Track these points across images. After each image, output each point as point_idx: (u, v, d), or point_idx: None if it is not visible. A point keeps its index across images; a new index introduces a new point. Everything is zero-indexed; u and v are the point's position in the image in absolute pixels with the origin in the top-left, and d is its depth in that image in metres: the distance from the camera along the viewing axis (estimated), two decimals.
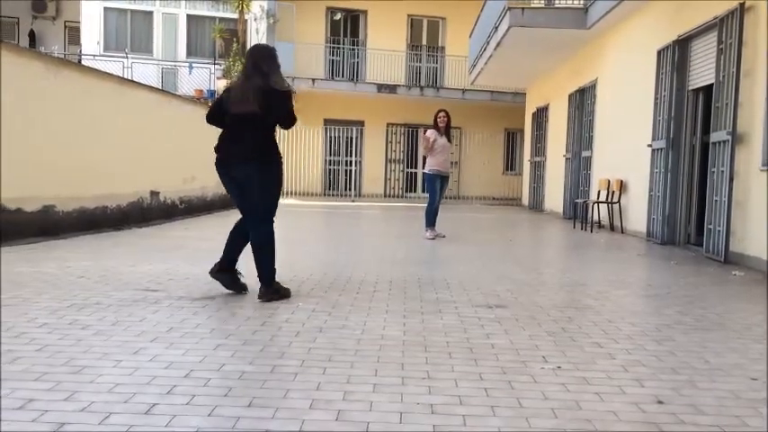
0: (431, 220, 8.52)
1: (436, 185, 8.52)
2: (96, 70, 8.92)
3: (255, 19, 18.68)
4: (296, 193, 19.64)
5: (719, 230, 6.74)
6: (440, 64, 21.64)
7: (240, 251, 4.34)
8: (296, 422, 2.15)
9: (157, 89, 11.90)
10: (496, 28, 12.55)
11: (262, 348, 3.03)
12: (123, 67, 17.56)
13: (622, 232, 9.98)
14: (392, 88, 20.05)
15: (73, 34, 20.43)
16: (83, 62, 16.39)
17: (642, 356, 3.08)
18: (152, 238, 7.66)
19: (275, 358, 2.88)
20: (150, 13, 19.03)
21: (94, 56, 17.89)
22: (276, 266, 4.20)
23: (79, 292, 4.19)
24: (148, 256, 6.05)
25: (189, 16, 19.20)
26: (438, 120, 8.45)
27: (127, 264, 5.48)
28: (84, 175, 7.91)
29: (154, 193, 9.88)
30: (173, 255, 6.17)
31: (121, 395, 2.35)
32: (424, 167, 8.86)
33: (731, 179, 6.60)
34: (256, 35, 18.40)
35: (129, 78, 13.16)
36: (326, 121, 20.26)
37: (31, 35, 20.20)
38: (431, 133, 8.41)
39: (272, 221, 4.22)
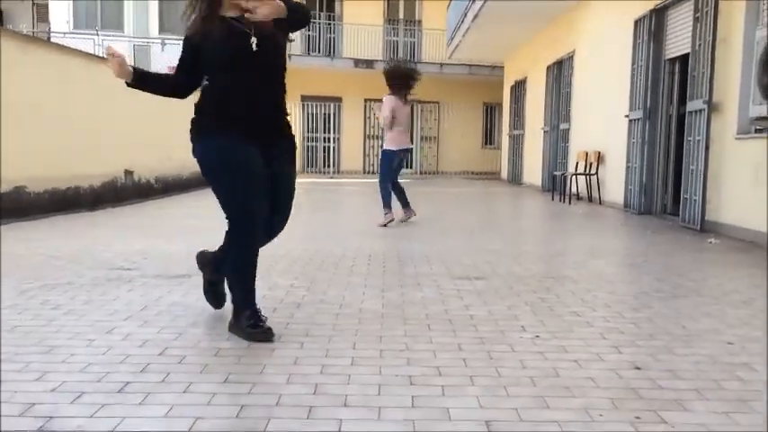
0: (388, 200, 6.93)
1: (395, 164, 7.07)
2: (66, 47, 8.70)
3: None
4: None
5: (695, 199, 6.79)
6: (417, 38, 21.48)
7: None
8: (273, 396, 2.13)
9: (130, 66, 11.65)
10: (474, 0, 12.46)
11: None
12: (94, 45, 17.23)
13: (600, 203, 10.03)
14: (369, 63, 19.87)
15: (42, 12, 19.97)
16: (52, 40, 16.02)
17: (619, 324, 3.09)
18: (127, 218, 7.55)
19: None
20: None
21: (64, 33, 17.52)
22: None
23: (50, 272, 4.11)
24: (123, 235, 5.96)
25: None
26: (411, 84, 6.98)
27: (100, 243, 5.39)
28: (55, 155, 7.74)
29: (128, 173, 9.73)
30: (148, 234, 6.09)
31: (94, 374, 2.30)
32: (383, 144, 7.20)
33: (707, 148, 6.63)
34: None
35: (101, 56, 12.88)
36: (304, 98, 20.06)
37: None
38: (392, 101, 6.90)
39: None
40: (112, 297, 3.48)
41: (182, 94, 3.00)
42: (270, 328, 2.77)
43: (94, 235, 5.94)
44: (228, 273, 2.98)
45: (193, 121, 2.89)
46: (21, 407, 2.01)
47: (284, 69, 2.94)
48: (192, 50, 2.85)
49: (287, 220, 3.03)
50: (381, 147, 7.34)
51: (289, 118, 3.02)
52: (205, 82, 2.90)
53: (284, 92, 2.95)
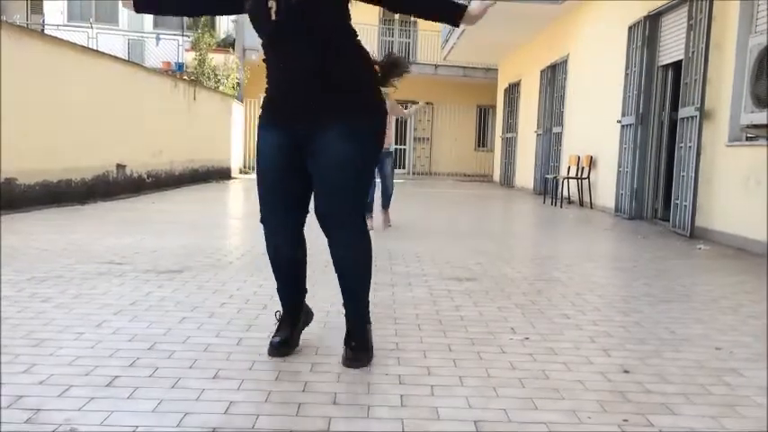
0: (370, 206, 6.46)
1: (389, 165, 6.79)
2: (60, 39, 8.64)
3: None
4: None
5: (686, 205, 6.83)
6: (412, 39, 21.51)
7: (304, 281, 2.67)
8: (262, 393, 2.12)
9: (124, 60, 11.60)
10: (469, 2, 12.48)
11: (228, 321, 2.98)
12: (88, 38, 17.12)
13: (591, 207, 10.07)
14: None
15: (36, 3, 19.84)
16: (46, 32, 15.93)
17: (609, 327, 3.10)
18: (118, 212, 7.52)
19: (242, 331, 2.83)
20: None
21: (58, 26, 17.41)
22: (250, 246, 3.90)
23: (40, 265, 4.08)
24: (114, 229, 5.94)
25: None
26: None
27: (91, 237, 5.36)
28: (47, 148, 7.70)
29: (120, 167, 9.68)
30: (139, 228, 6.06)
31: (82, 368, 2.29)
32: None
33: (698, 155, 6.67)
34: None
35: (95, 48, 12.84)
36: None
37: None
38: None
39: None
40: (102, 291, 3.47)
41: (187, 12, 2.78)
42: (280, 342, 2.50)
43: (85, 228, 5.91)
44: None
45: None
46: (8, 399, 1.99)
47: (342, 27, 2.30)
48: None
49: (342, 222, 2.38)
50: None
51: (368, 92, 2.36)
52: None
53: (348, 58, 2.31)
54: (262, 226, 2.50)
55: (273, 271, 2.56)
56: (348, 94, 2.30)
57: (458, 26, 2.44)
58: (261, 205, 2.46)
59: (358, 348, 2.43)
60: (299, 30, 2.20)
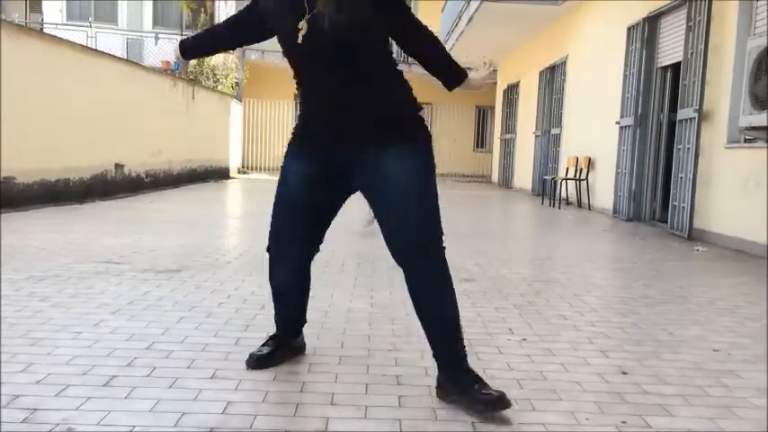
0: None
1: None
2: (59, 38, 8.63)
3: None
4: (267, 169, 19.48)
5: (684, 207, 6.83)
6: None
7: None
8: (259, 393, 2.12)
9: (123, 59, 11.60)
10: (468, 2, 12.48)
11: (226, 321, 2.98)
12: (87, 37, 17.12)
13: (589, 209, 10.08)
14: None
15: (35, 2, 19.82)
16: (45, 31, 15.92)
17: (607, 328, 3.11)
18: (116, 211, 7.51)
19: (240, 331, 2.83)
20: None
21: (57, 25, 17.40)
22: (249, 245, 3.96)
23: (38, 264, 4.08)
24: (112, 228, 5.93)
25: None
26: None
27: (89, 236, 5.36)
28: (45, 147, 7.69)
29: (119, 166, 9.68)
30: (137, 228, 6.06)
31: (80, 367, 2.29)
32: None
33: (697, 156, 6.68)
34: (224, 5, 18.05)
35: (94, 48, 12.83)
36: (297, 96, 19.94)
37: None
38: None
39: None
40: (100, 290, 3.46)
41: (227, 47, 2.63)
42: (261, 356, 2.38)
43: (83, 228, 5.90)
44: None
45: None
46: (5, 398, 1.99)
47: (380, 48, 2.14)
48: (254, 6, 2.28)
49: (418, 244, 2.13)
50: None
51: (410, 113, 2.17)
52: None
53: (387, 78, 2.15)
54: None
55: (274, 299, 2.43)
56: (393, 116, 2.13)
57: (450, 90, 2.39)
58: (270, 231, 2.31)
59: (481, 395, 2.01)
60: (329, 53, 2.04)
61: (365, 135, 2.09)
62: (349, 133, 2.11)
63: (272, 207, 2.31)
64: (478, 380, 2.07)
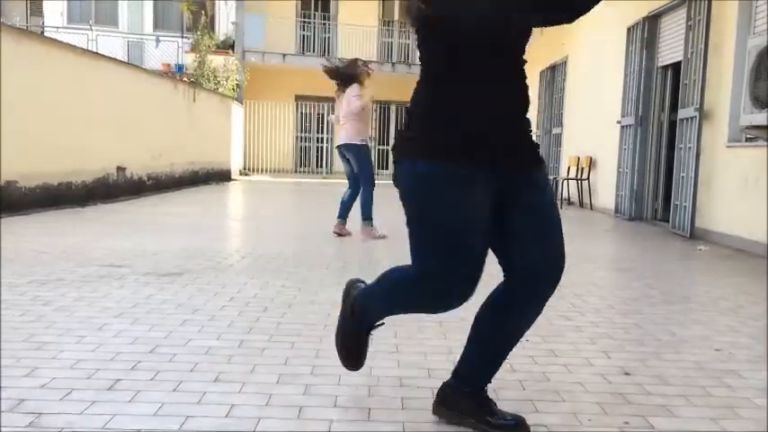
0: (367, 210, 6.17)
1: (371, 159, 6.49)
2: (60, 42, 8.65)
3: None
4: (267, 170, 19.48)
5: (685, 206, 6.84)
6: (412, 40, 21.44)
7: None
8: (263, 396, 2.13)
9: (124, 62, 11.62)
10: None
11: (229, 324, 2.99)
12: (88, 40, 17.14)
13: (591, 208, 10.08)
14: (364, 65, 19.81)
15: (35, 5, 19.86)
16: (45, 34, 15.95)
17: (609, 329, 3.11)
18: (118, 215, 7.52)
19: (243, 333, 2.84)
20: None
21: (57, 28, 17.43)
22: (251, 248, 3.95)
23: (41, 268, 4.09)
24: (114, 232, 5.94)
25: None
26: (369, 72, 6.76)
27: (91, 240, 5.37)
28: (47, 151, 7.71)
29: (120, 170, 9.69)
30: (139, 231, 6.07)
31: (84, 371, 2.29)
32: (354, 137, 6.40)
33: (698, 155, 6.68)
34: (225, 7, 18.07)
35: (95, 51, 12.85)
36: (298, 98, 20.02)
37: None
38: (365, 92, 6.50)
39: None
40: (103, 294, 3.47)
41: None
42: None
43: (85, 231, 5.91)
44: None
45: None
46: (10, 403, 2.00)
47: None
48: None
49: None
50: (355, 143, 6.36)
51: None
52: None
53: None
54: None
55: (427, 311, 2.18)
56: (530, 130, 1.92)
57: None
58: (438, 263, 1.95)
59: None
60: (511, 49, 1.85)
61: (522, 150, 1.85)
62: (516, 145, 1.84)
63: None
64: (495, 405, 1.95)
